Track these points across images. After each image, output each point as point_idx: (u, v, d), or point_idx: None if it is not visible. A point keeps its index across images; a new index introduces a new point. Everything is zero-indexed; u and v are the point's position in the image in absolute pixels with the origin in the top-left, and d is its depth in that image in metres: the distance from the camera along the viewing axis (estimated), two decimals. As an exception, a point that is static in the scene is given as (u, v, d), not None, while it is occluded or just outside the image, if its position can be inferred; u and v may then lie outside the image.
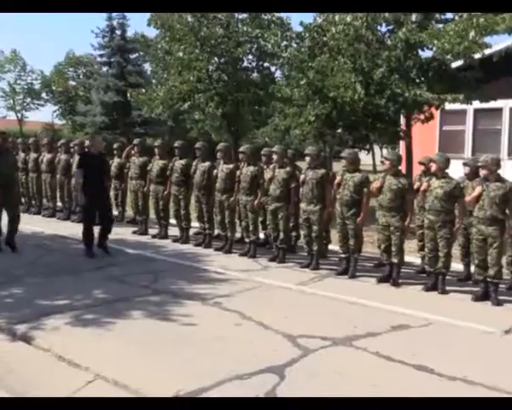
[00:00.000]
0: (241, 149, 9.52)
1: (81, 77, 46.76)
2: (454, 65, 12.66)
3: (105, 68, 34.99)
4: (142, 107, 17.47)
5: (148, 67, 34.75)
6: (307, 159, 8.51)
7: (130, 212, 12.01)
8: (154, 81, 24.51)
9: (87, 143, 11.33)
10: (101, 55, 35.21)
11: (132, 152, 11.58)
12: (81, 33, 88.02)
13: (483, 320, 6.11)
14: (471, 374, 4.62)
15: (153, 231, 10.84)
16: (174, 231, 10.49)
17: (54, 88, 46.23)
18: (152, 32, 49.55)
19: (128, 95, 18.22)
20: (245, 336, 5.43)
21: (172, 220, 10.58)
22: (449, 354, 5.14)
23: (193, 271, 8.00)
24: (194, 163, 10.01)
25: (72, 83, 46.77)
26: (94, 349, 5.02)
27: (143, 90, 17.73)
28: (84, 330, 5.51)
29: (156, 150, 10.70)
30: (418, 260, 8.46)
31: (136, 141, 11.67)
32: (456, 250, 7.93)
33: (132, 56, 34.76)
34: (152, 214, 10.92)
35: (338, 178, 8.20)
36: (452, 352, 5.19)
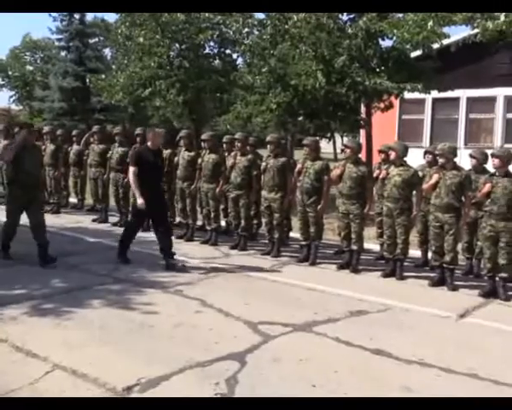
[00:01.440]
0: (202, 136, 9.48)
1: (38, 62, 45.60)
2: (413, 55, 12.85)
3: (63, 53, 34.18)
4: (102, 93, 17.18)
5: (108, 52, 34.21)
6: (269, 147, 8.54)
7: (89, 200, 11.84)
8: (114, 67, 24.08)
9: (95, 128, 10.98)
10: (59, 40, 34.31)
11: (91, 139, 11.40)
12: (38, 16, 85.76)
13: (439, 305, 6.27)
14: (427, 357, 4.75)
15: (113, 219, 10.72)
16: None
17: (10, 73, 44.99)
18: (112, 17, 48.71)
19: (87, 80, 17.92)
20: (206, 324, 5.44)
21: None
22: (406, 338, 5.26)
23: (154, 259, 7.95)
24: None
25: (30, 68, 45.61)
26: (52, 339, 4.95)
27: (103, 76, 17.43)
28: (43, 320, 5.43)
29: (116, 137, 10.56)
30: (377, 247, 8.60)
31: (95, 128, 11.50)
32: (414, 237, 8.10)
33: (92, 41, 34.04)
34: (112, 202, 10.79)
35: (298, 166, 8.25)
36: (409, 336, 5.31)
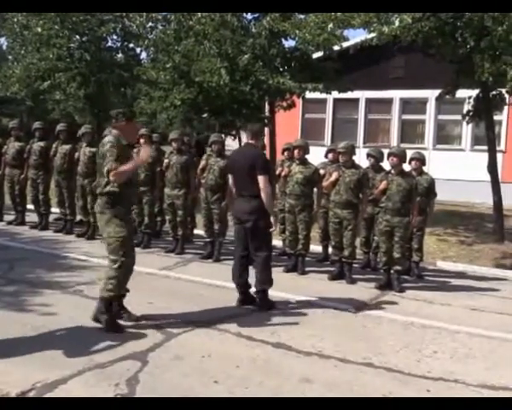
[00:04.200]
0: (105, 132, 9.23)
1: None
2: (315, 56, 13.22)
3: (-47, 41, 32.08)
4: (-4, 84, 16.32)
5: (3, 41, 32.45)
6: (173, 144, 8.46)
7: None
8: (10, 57, 22.94)
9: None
10: None
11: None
12: None
13: (338, 298, 6.50)
14: (325, 349, 4.90)
15: (8, 217, 10.22)
16: (32, 217, 9.96)
17: None
18: (8, 5, 46.26)
19: (-20, 71, 16.93)
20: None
21: (30, 206, 10.04)
22: (306, 331, 5.40)
23: (52, 258, 7.66)
24: (54, 145, 9.56)
25: None
26: None
27: (-2, 67, 16.57)
28: None
29: (12, 132, 10.08)
30: (280, 243, 8.77)
31: (-12, 121, 10.89)
32: (315, 233, 8.33)
33: (-15, 30, 32.23)
34: (7, 200, 10.28)
35: (202, 163, 8.26)
36: (309, 329, 5.46)
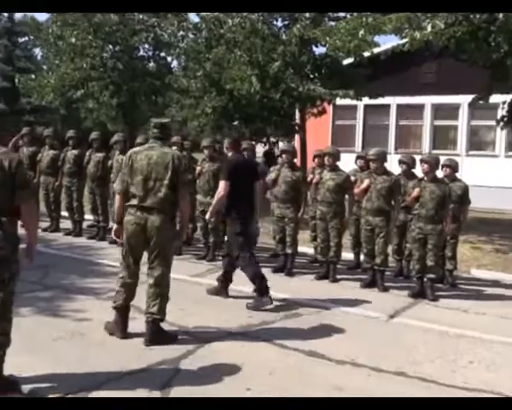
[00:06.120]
0: (138, 139, 9.35)
1: (-37, 60, 43.64)
2: (345, 62, 13.17)
3: (-10, 52, 32.90)
4: (32, 94, 16.71)
5: (38, 51, 33.18)
6: (205, 151, 8.52)
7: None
8: (44, 67, 23.43)
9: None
10: (-15, 38, 33.06)
11: (20, 142, 11.01)
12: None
13: (370, 306, 6.45)
14: (358, 357, 4.86)
15: (43, 224, 10.40)
16: (66, 224, 10.13)
17: None
18: (43, 16, 47.35)
19: (16, 80, 17.32)
20: (139, 330, 5.34)
21: (64, 213, 10.21)
22: (338, 339, 5.37)
23: (86, 264, 7.77)
24: (87, 153, 9.72)
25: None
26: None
27: (33, 76, 16.94)
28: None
29: (47, 140, 10.28)
30: (311, 251, 8.74)
31: (24, 130, 11.12)
32: (347, 240, 8.28)
33: (21, 40, 32.90)
34: (42, 207, 10.47)
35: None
36: (342, 337, 5.43)
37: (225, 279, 6.62)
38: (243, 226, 6.31)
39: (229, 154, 6.52)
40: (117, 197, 5.21)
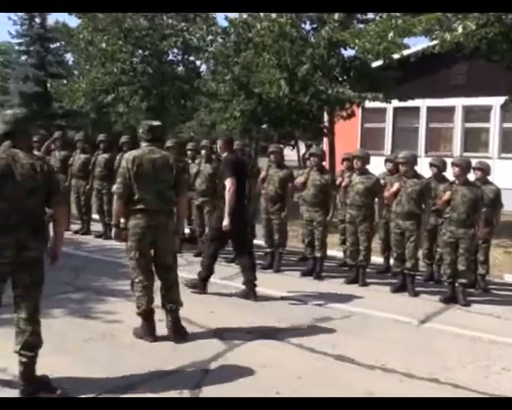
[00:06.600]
0: (167, 143, 9.43)
1: (-2, 66, 44.60)
2: (374, 64, 13.08)
3: (24, 57, 33.55)
4: (64, 98, 16.96)
5: (69, 57, 33.68)
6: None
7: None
8: (76, 72, 23.82)
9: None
10: (19, 44, 33.70)
11: (52, 146, 11.20)
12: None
13: (401, 311, 6.37)
14: (389, 363, 4.81)
15: (74, 226, 10.56)
16: (97, 226, 10.25)
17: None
18: (74, 22, 48.05)
19: (48, 85, 17.60)
20: (167, 333, 5.39)
21: (95, 216, 10.34)
22: (368, 344, 5.32)
23: (116, 267, 7.85)
24: (118, 157, 9.83)
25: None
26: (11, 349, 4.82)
27: (65, 81, 17.21)
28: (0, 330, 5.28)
29: (78, 144, 10.43)
30: (340, 254, 8.69)
31: (56, 134, 11.31)
32: (376, 244, 8.22)
33: (53, 46, 33.48)
34: (73, 209, 10.63)
35: (263, 174, 8.29)
36: (371, 342, 5.38)
37: (248, 281, 6.69)
38: (221, 222, 6.52)
39: (224, 154, 6.76)
40: (117, 200, 5.24)
